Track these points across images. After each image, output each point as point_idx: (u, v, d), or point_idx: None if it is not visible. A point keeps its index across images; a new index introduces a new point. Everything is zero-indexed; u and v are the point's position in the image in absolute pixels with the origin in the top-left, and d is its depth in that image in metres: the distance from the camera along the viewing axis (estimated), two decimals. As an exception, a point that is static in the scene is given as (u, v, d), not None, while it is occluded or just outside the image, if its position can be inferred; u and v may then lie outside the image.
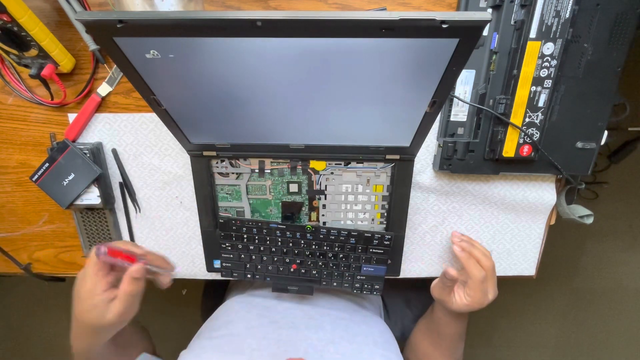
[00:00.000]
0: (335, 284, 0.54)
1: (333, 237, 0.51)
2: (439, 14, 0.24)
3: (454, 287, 0.51)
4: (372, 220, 0.54)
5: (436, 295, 0.53)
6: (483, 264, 0.49)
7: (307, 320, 0.54)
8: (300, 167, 0.51)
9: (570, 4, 0.41)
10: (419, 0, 0.46)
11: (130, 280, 0.38)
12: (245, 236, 0.52)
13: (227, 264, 0.54)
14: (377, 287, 0.54)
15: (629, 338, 1.46)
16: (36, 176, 0.50)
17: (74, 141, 0.51)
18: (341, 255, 0.52)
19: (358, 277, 0.53)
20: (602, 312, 1.45)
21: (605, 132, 0.48)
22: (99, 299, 0.38)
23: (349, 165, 0.50)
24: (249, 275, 0.54)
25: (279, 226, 0.51)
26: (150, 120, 0.50)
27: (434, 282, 0.55)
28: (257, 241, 0.52)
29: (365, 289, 0.54)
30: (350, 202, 0.53)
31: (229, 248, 0.53)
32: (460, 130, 0.49)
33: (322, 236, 0.51)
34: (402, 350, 0.56)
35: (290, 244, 0.52)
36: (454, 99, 0.47)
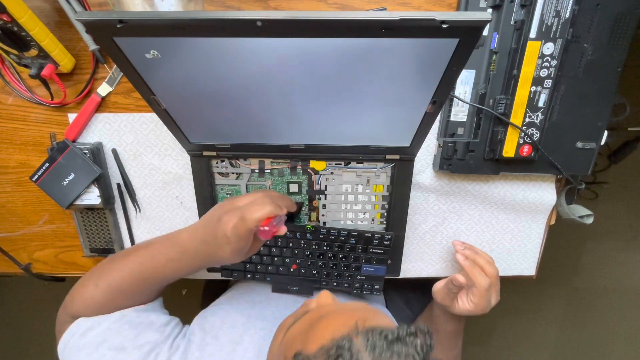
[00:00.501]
0: (335, 284, 0.54)
1: (333, 237, 0.51)
2: (439, 14, 0.24)
3: (458, 293, 0.51)
4: (372, 220, 0.54)
5: (439, 299, 0.52)
6: (487, 272, 0.49)
7: None
8: (300, 167, 0.51)
9: (570, 4, 0.41)
10: (419, 0, 0.46)
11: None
12: (245, 236, 0.52)
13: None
14: (377, 287, 0.54)
15: (629, 338, 1.46)
16: (36, 176, 0.50)
17: (74, 141, 0.51)
18: (341, 255, 0.52)
19: (358, 277, 0.53)
20: (602, 312, 1.45)
21: (605, 132, 0.48)
22: (244, 253, 0.40)
23: (349, 165, 0.50)
24: (248, 276, 0.54)
25: (279, 226, 0.51)
26: (150, 120, 0.50)
27: (438, 286, 0.53)
28: (257, 241, 0.52)
29: (365, 289, 0.54)
30: (350, 202, 0.53)
31: (229, 248, 0.53)
32: (460, 130, 0.49)
33: (322, 236, 0.51)
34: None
35: (290, 244, 0.52)
36: (454, 99, 0.47)
